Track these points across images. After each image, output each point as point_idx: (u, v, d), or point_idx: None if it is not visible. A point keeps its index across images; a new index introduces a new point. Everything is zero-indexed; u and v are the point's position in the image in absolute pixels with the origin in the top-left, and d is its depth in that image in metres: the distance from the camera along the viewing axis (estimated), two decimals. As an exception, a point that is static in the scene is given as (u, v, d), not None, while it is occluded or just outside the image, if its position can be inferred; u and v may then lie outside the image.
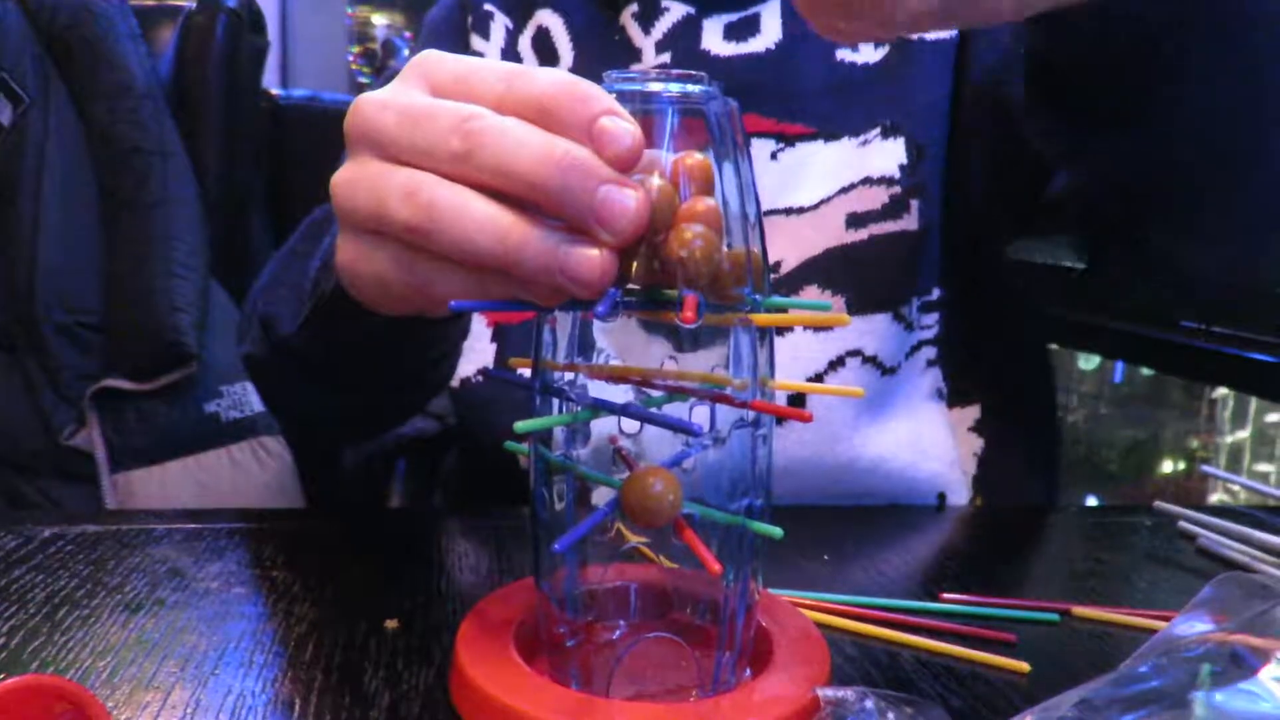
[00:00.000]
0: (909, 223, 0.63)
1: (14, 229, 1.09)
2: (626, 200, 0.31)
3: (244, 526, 0.53)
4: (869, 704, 0.29)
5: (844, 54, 0.66)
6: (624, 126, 0.31)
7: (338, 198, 0.36)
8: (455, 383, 0.67)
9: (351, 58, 2.73)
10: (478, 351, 0.66)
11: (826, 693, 0.32)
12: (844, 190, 0.64)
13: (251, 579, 0.47)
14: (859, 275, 0.62)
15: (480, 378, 0.66)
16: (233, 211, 1.19)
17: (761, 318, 0.35)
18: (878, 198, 0.63)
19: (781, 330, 0.62)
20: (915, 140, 0.64)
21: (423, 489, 1.16)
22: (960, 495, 0.65)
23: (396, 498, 1.16)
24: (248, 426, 1.13)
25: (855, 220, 0.63)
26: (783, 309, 0.36)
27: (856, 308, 0.62)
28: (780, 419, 0.59)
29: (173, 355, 1.07)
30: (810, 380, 0.62)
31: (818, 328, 0.62)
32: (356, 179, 0.35)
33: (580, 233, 0.32)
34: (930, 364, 0.66)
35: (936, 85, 0.65)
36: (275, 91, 1.29)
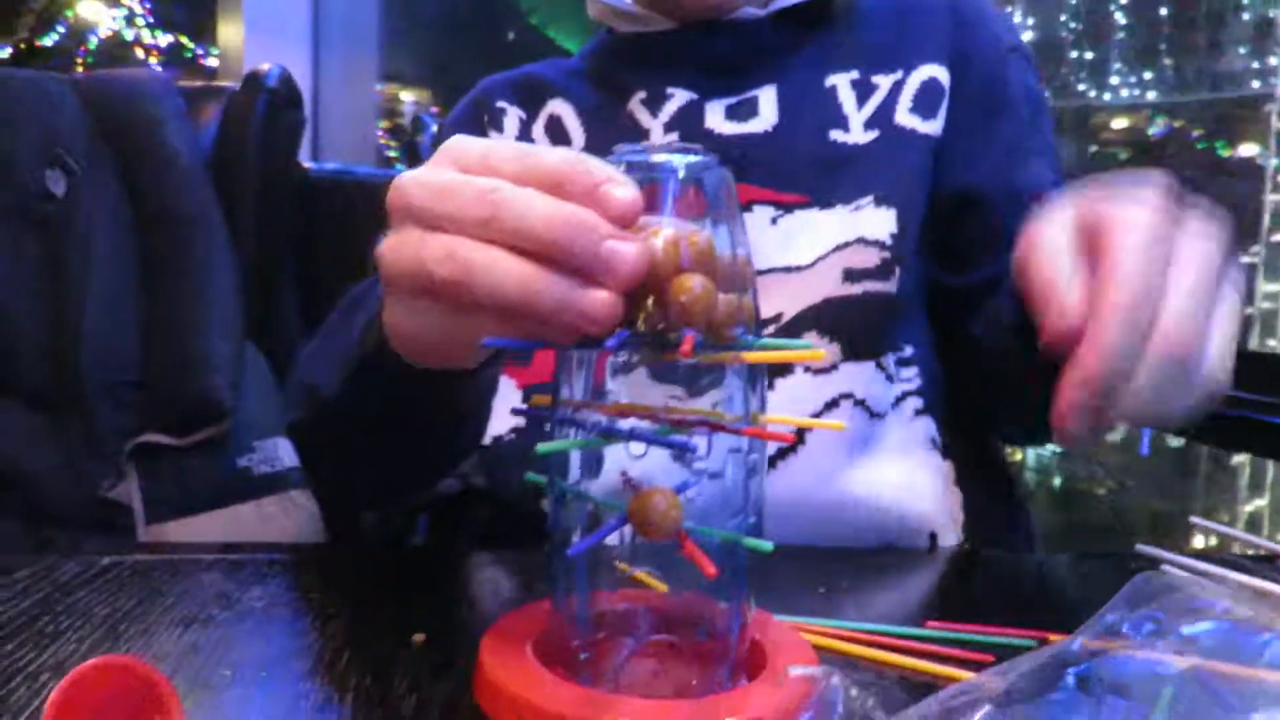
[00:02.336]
0: (892, 286, 0.70)
1: (64, 293, 1.16)
2: (627, 251, 0.36)
3: (282, 558, 0.58)
4: (835, 680, 0.33)
5: (836, 134, 0.73)
6: (622, 191, 0.37)
7: (384, 264, 0.41)
8: (487, 440, 0.72)
9: (380, 132, 2.84)
10: (507, 412, 0.71)
11: (796, 670, 0.36)
12: (839, 248, 0.70)
13: (291, 601, 0.51)
14: (851, 325, 0.68)
15: (513, 435, 0.72)
16: (266, 277, 1.25)
17: (751, 355, 0.39)
18: (871, 258, 0.69)
19: (783, 372, 0.67)
20: (902, 213, 0.71)
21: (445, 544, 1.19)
22: (951, 540, 0.69)
23: (418, 552, 1.20)
24: (278, 480, 1.18)
25: (850, 275, 0.69)
26: (770, 349, 0.40)
27: (848, 354, 0.68)
28: (772, 461, 0.65)
29: (208, 412, 1.13)
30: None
31: (815, 372, 0.68)
32: (400, 246, 0.40)
33: (590, 280, 0.37)
34: (919, 413, 0.71)
35: (920, 175, 0.72)
36: (307, 164, 1.36)
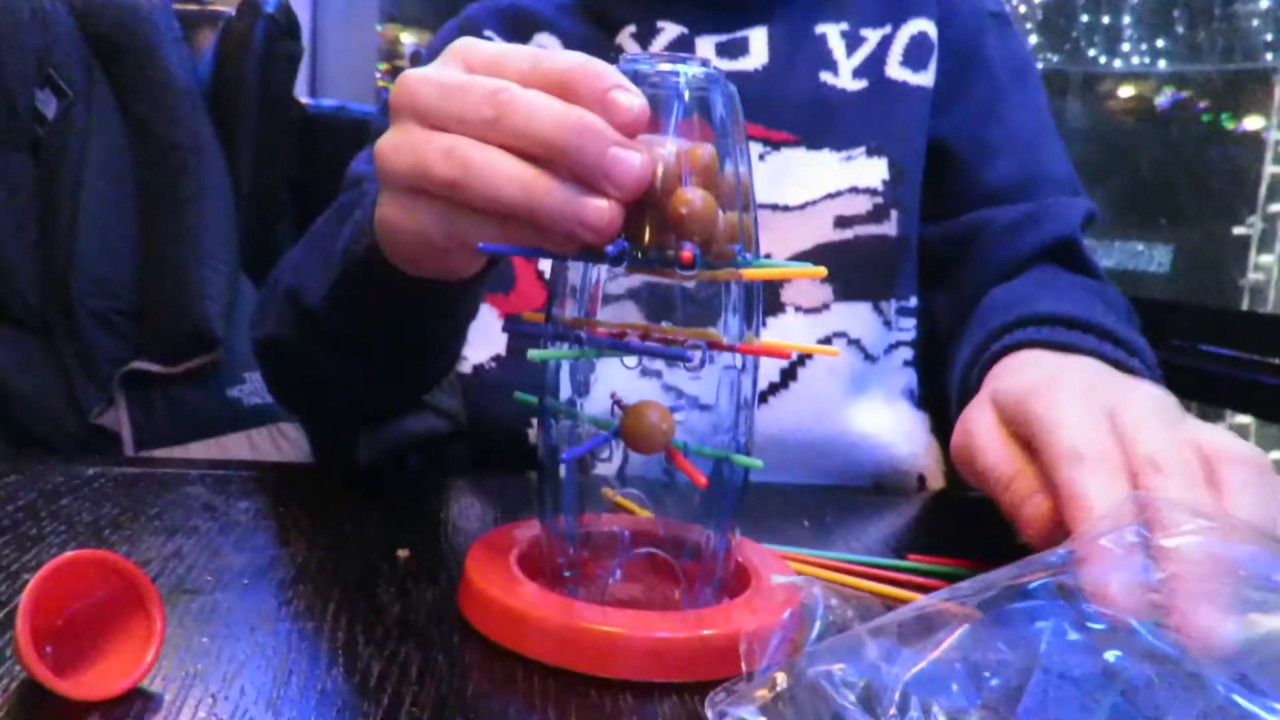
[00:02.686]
0: (890, 229, 0.69)
1: (55, 219, 1.14)
2: (631, 159, 0.36)
3: (269, 475, 0.58)
4: (815, 590, 0.33)
5: (826, 77, 0.73)
6: (631, 99, 0.36)
7: (383, 160, 0.40)
8: (468, 369, 0.71)
9: (380, 74, 2.80)
10: (489, 340, 0.71)
11: (779, 579, 0.36)
12: (831, 196, 0.70)
13: (276, 514, 0.51)
14: (845, 267, 0.68)
15: (493, 363, 0.70)
16: (263, 208, 1.24)
17: (750, 272, 0.39)
18: (862, 205, 0.69)
19: (775, 311, 0.67)
20: (895, 162, 0.70)
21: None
22: (938, 484, 0.69)
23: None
24: (268, 412, 1.17)
25: (842, 221, 0.69)
26: (768, 268, 0.40)
27: (842, 295, 0.68)
28: (763, 396, 0.65)
29: (199, 341, 1.12)
30: (799, 358, 0.67)
31: (807, 310, 0.68)
32: (400, 143, 0.39)
33: (592, 187, 0.36)
34: (907, 364, 0.71)
35: (915, 125, 0.72)
36: (305, 100, 1.34)
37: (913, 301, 0.72)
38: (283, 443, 1.21)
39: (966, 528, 0.61)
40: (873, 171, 0.70)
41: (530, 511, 0.46)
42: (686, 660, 0.37)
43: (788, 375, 0.67)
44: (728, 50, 0.74)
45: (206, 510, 0.50)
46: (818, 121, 0.71)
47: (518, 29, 0.77)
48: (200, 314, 1.12)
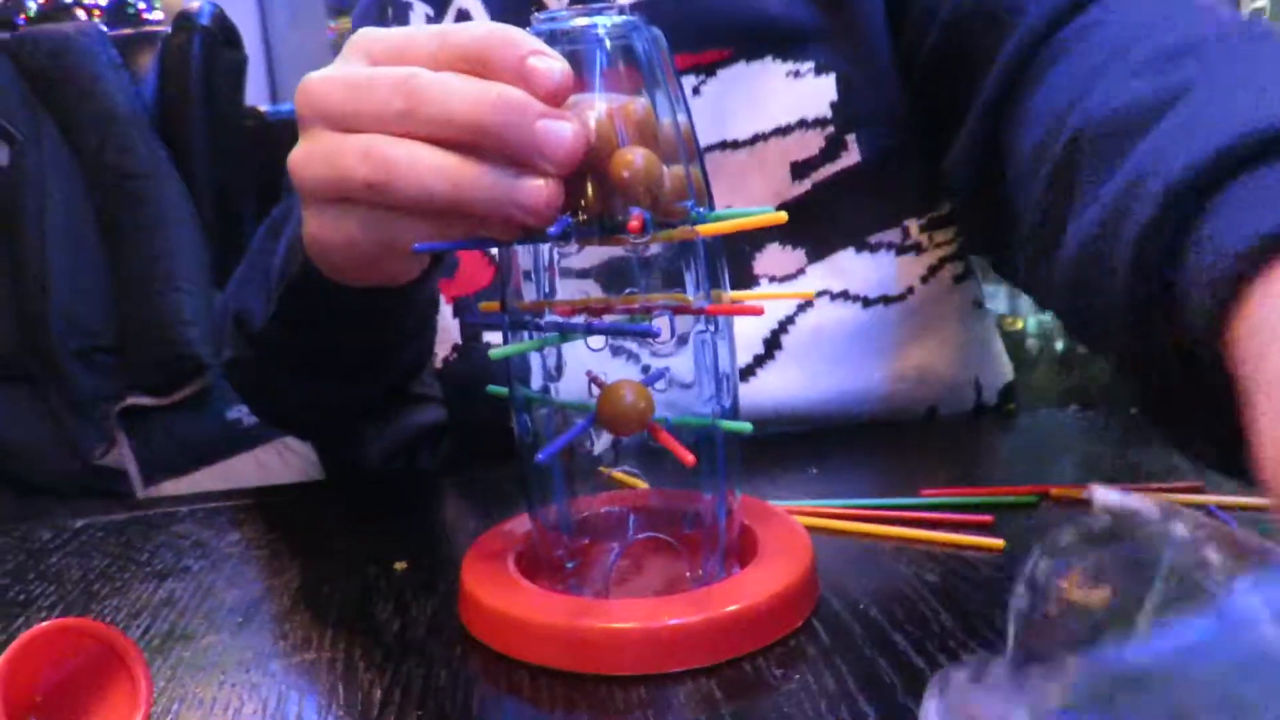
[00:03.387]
0: (849, 158, 0.61)
1: (22, 263, 1.13)
2: (563, 130, 0.33)
3: (259, 502, 0.56)
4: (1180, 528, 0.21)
5: None
6: (551, 64, 0.34)
7: (297, 173, 0.38)
8: (439, 364, 0.68)
9: (335, 68, 2.74)
10: (444, 331, 0.66)
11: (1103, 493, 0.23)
12: (781, 131, 0.62)
13: (269, 543, 0.49)
14: (810, 224, 0.62)
15: (455, 354, 0.67)
16: (228, 224, 1.22)
17: (707, 228, 0.37)
18: (814, 142, 0.62)
19: (746, 284, 0.62)
20: (844, 73, 0.61)
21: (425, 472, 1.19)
22: (964, 408, 0.65)
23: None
24: (270, 429, 1.16)
25: (798, 170, 0.62)
26: (726, 218, 0.38)
27: (815, 254, 0.62)
28: (743, 374, 0.61)
29: (187, 367, 1.11)
30: (779, 325, 0.62)
31: (780, 279, 0.62)
32: (312, 152, 0.37)
33: (525, 166, 0.34)
34: (959, 279, 0.64)
35: (863, 16, 0.61)
36: (263, 108, 1.31)
37: (945, 208, 0.63)
38: (290, 457, 1.20)
39: (981, 450, 0.60)
40: (820, 94, 0.61)
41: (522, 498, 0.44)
42: (699, 645, 0.35)
43: (770, 345, 0.62)
44: None
45: (197, 548, 0.49)
46: (751, 29, 0.62)
47: None
48: (182, 340, 1.11)
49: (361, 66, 0.37)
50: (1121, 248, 0.34)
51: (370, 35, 0.38)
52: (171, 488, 1.12)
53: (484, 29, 0.35)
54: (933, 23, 0.57)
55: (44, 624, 0.31)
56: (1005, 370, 0.68)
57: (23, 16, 2.71)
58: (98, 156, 1.15)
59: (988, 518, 0.45)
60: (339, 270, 0.43)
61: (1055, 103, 0.45)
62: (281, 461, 1.19)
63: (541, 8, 0.68)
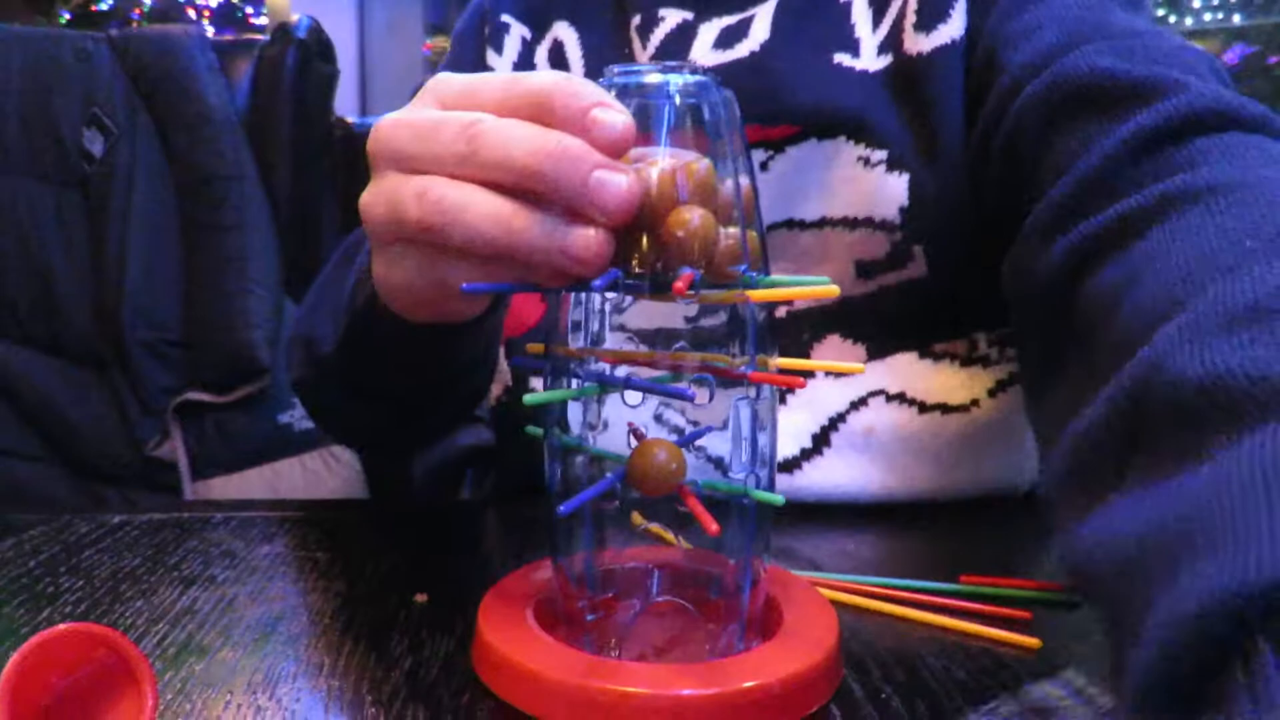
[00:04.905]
0: (916, 269, 0.59)
1: (104, 254, 1.16)
2: (618, 182, 0.33)
3: (294, 515, 0.57)
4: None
5: (842, 59, 0.60)
6: (614, 116, 0.34)
7: (364, 213, 0.39)
8: (491, 401, 0.69)
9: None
10: (501, 372, 0.67)
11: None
12: (848, 224, 0.60)
13: (296, 560, 0.49)
14: (872, 323, 0.60)
15: (505, 394, 0.68)
16: (304, 232, 1.25)
17: (757, 294, 0.36)
18: (880, 246, 0.59)
19: (803, 376, 0.60)
20: (917, 176, 0.58)
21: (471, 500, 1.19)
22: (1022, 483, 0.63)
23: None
24: (319, 436, 1.18)
25: (863, 270, 0.60)
26: (779, 285, 0.37)
27: (876, 353, 0.61)
28: (787, 466, 0.59)
29: (247, 369, 1.13)
30: (830, 421, 0.60)
31: (838, 375, 0.60)
32: (378, 193, 0.37)
33: (577, 216, 0.34)
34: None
35: (951, 99, 0.57)
36: (350, 119, 1.34)
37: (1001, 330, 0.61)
38: (335, 466, 1.21)
39: (1032, 538, 0.57)
40: (891, 195, 0.58)
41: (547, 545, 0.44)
42: (713, 718, 0.34)
43: (819, 440, 0.60)
44: (728, 38, 0.64)
45: (226, 557, 0.49)
46: (826, 108, 0.59)
47: (536, 16, 0.72)
48: (246, 342, 1.13)
49: (431, 110, 0.37)
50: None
51: (443, 80, 0.38)
52: (219, 485, 1.13)
53: (552, 78, 0.35)
54: (1005, 116, 0.52)
55: (57, 627, 0.31)
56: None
57: (137, 11, 2.83)
58: (187, 155, 1.18)
59: (1026, 614, 0.43)
60: (400, 307, 0.43)
61: (1141, 306, 0.35)
62: (327, 469, 1.20)
63: (631, 56, 0.69)
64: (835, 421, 0.60)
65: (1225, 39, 2.94)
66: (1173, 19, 3.00)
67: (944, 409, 0.60)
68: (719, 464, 0.38)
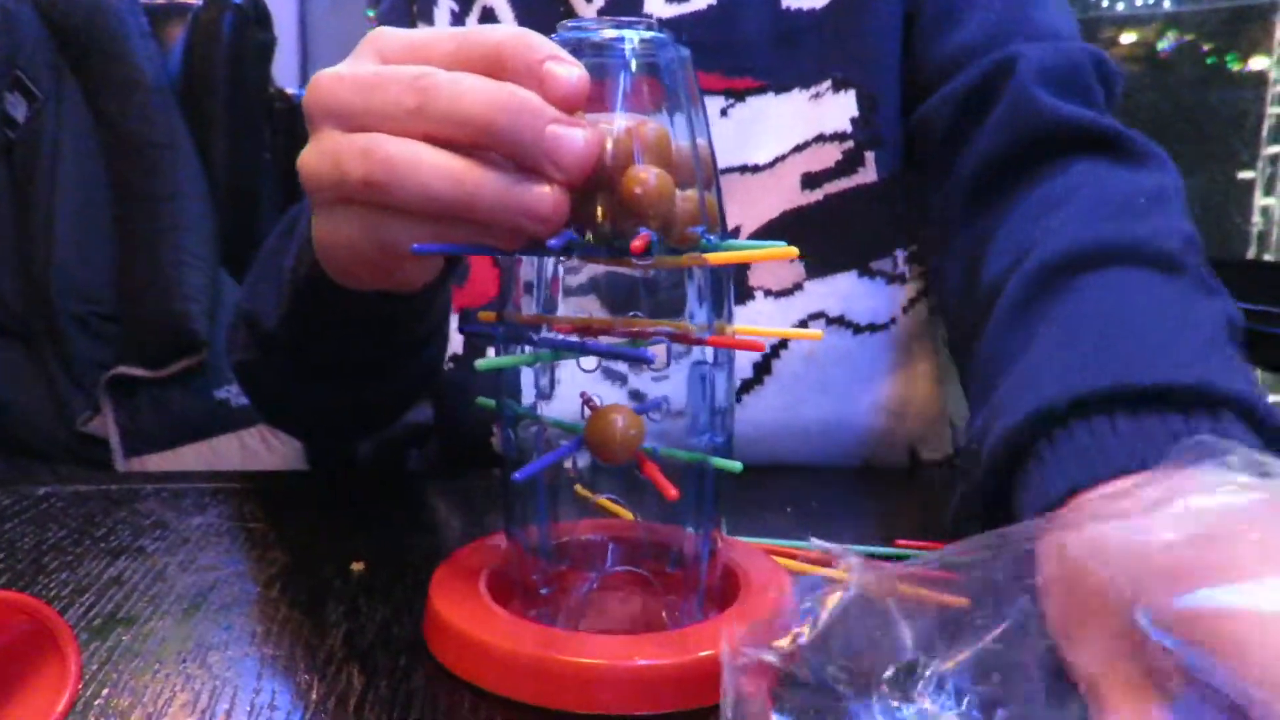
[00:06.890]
0: (865, 175, 0.61)
1: (31, 223, 1.12)
2: (574, 137, 0.32)
3: (227, 486, 0.55)
4: (852, 559, 0.32)
5: (789, 1, 0.64)
6: (569, 69, 0.33)
7: (303, 173, 0.36)
8: None
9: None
10: (447, 339, 0.66)
11: (817, 542, 0.34)
12: (798, 148, 0.62)
13: (229, 530, 0.48)
14: (816, 237, 0.61)
15: (452, 364, 0.66)
16: (241, 203, 1.21)
17: (715, 256, 0.35)
18: (830, 155, 0.62)
19: (740, 299, 0.62)
20: (866, 91, 0.62)
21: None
22: (937, 452, 0.65)
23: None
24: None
25: (809, 180, 0.62)
26: (735, 250, 0.36)
27: (817, 271, 0.62)
28: (746, 386, 0.61)
29: (183, 343, 1.09)
30: (771, 349, 0.62)
31: (776, 294, 0.62)
32: (319, 151, 0.35)
33: (533, 172, 0.33)
34: (935, 312, 0.64)
35: (888, 35, 0.62)
36: (290, 91, 1.30)
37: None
38: (274, 442, 1.18)
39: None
40: (840, 110, 0.61)
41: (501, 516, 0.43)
42: (673, 688, 0.34)
43: (761, 370, 0.61)
44: None
45: (157, 528, 0.47)
46: (783, 59, 0.63)
47: None
48: (182, 315, 1.09)
49: (374, 64, 0.35)
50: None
51: (385, 34, 0.36)
52: (154, 462, 1.10)
53: (503, 31, 0.34)
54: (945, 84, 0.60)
55: (-25, 595, 0.29)
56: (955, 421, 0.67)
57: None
58: (117, 122, 1.13)
59: (955, 575, 0.43)
60: (346, 274, 0.41)
61: (1018, 238, 0.51)
62: (265, 446, 1.17)
63: (571, 14, 0.67)
64: (777, 349, 0.62)
65: (1159, 27, 3.00)
66: (1105, 2, 3.05)
67: (873, 328, 0.62)
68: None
